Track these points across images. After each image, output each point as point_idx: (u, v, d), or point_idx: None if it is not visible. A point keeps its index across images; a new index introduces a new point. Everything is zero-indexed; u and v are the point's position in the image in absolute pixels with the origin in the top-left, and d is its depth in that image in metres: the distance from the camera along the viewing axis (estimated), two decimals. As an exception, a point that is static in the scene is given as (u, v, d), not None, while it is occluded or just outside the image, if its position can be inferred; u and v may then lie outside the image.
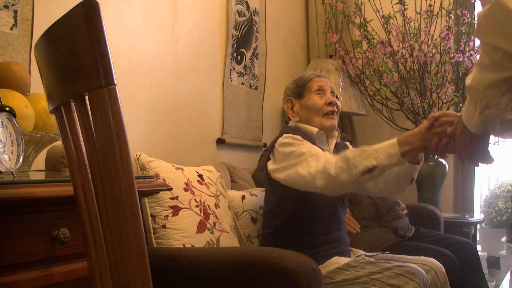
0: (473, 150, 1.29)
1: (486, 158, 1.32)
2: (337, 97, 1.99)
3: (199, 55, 2.49)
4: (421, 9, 3.02)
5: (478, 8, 2.94)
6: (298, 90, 1.95)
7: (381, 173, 1.54)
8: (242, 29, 2.80)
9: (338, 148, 1.96)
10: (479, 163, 1.37)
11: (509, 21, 0.94)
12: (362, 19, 3.09)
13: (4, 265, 0.99)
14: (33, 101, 1.34)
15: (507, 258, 4.02)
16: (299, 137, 1.78)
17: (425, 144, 1.49)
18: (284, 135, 1.81)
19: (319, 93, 1.91)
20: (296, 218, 1.82)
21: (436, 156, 1.45)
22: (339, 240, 1.85)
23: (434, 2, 3.00)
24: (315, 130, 1.87)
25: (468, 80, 1.10)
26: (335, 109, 1.91)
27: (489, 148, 1.32)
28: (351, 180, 1.53)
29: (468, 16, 2.99)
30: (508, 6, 0.93)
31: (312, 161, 1.64)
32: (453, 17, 2.98)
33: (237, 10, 2.75)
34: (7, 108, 1.13)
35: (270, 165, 1.82)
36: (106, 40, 0.71)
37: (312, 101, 1.91)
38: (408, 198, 2.94)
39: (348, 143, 2.12)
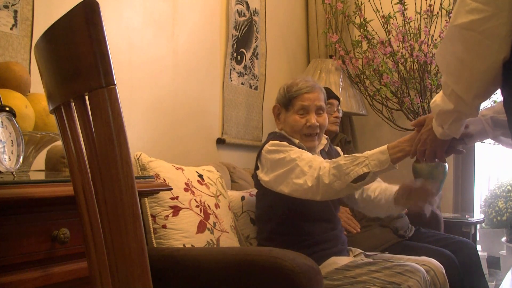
0: (433, 149, 1.44)
1: (441, 158, 1.48)
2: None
3: (199, 55, 2.49)
4: (421, 9, 3.02)
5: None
6: (285, 101, 1.88)
7: (373, 179, 1.57)
8: (242, 29, 2.80)
9: (329, 154, 1.96)
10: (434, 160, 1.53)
11: (457, 64, 1.05)
12: (362, 19, 3.09)
13: (4, 265, 0.99)
14: (33, 101, 1.34)
15: (507, 258, 4.02)
16: (285, 143, 1.77)
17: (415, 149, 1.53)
18: (270, 142, 1.79)
19: (301, 113, 1.84)
20: (289, 221, 1.82)
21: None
22: (335, 239, 1.85)
23: (434, 2, 3.00)
24: (297, 141, 1.85)
25: (433, 99, 1.25)
26: (316, 131, 1.84)
27: (449, 149, 1.46)
28: (344, 187, 1.57)
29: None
30: (454, 49, 1.03)
31: (305, 167, 1.64)
32: (453, 17, 2.97)
33: (237, 10, 2.75)
34: (7, 108, 1.13)
35: (261, 175, 1.80)
36: (106, 40, 0.71)
37: (292, 119, 1.85)
38: (408, 198, 2.94)
39: (338, 148, 2.11)
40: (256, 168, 1.85)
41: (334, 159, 1.63)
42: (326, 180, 1.58)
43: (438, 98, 1.21)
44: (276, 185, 1.73)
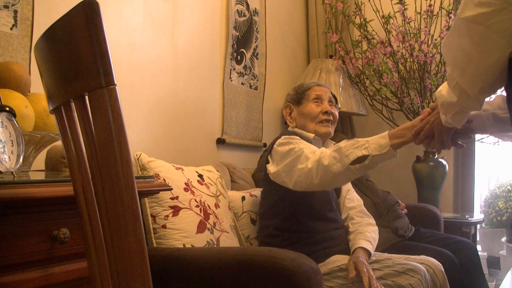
0: (440, 133, 1.43)
1: (446, 144, 1.45)
2: (336, 102, 2.04)
3: (199, 55, 2.49)
4: (421, 9, 3.02)
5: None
6: (297, 97, 2.01)
7: (373, 164, 1.56)
8: (242, 29, 2.80)
9: None
10: (438, 149, 1.49)
11: (463, 58, 1.03)
12: (362, 19, 3.09)
13: (4, 265, 0.99)
14: (33, 101, 1.34)
15: (507, 258, 4.02)
16: (297, 137, 1.83)
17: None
18: (282, 136, 1.86)
19: (316, 102, 1.97)
20: (293, 218, 1.85)
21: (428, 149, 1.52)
22: (338, 239, 1.87)
23: (434, 2, 3.00)
24: (311, 135, 1.92)
25: (438, 88, 1.25)
26: (331, 118, 1.96)
27: (452, 139, 1.45)
28: (343, 169, 1.57)
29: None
30: (460, 41, 1.02)
31: (309, 154, 1.68)
32: (453, 17, 2.97)
33: (237, 10, 2.75)
34: (7, 108, 1.13)
35: (270, 167, 1.84)
36: (106, 40, 0.71)
37: (308, 108, 1.96)
38: (408, 198, 2.94)
39: None
40: (267, 162, 1.89)
41: (336, 144, 1.66)
42: (326, 161, 1.60)
43: (443, 89, 1.21)
44: (283, 175, 1.75)
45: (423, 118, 1.51)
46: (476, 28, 0.96)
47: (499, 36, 0.94)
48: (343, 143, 1.60)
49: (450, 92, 1.14)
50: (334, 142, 2.02)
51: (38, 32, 1.53)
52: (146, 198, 1.68)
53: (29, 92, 1.42)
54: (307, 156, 1.67)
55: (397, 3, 2.98)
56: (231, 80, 2.71)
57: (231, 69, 2.70)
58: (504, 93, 1.06)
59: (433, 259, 1.81)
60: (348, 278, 1.64)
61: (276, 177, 1.80)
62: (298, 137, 1.82)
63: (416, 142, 1.52)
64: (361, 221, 1.94)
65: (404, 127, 1.55)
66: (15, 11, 1.60)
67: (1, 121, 1.10)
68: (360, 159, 1.54)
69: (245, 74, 2.83)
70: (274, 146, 1.85)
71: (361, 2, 3.08)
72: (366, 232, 1.87)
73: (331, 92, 2.05)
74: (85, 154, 0.79)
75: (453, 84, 1.11)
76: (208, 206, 1.83)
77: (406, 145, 1.57)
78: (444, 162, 3.01)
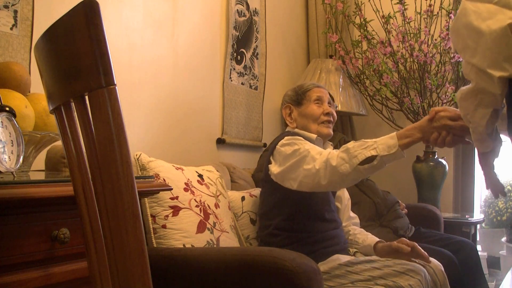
0: (482, 170, 1.31)
1: (494, 182, 1.31)
2: (333, 100, 2.08)
3: (199, 55, 2.49)
4: (421, 9, 3.02)
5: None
6: (297, 98, 2.02)
7: (381, 165, 1.56)
8: (242, 29, 2.80)
9: None
10: (494, 191, 1.35)
11: (472, 35, 1.01)
12: (362, 19, 3.09)
13: (4, 265, 0.99)
14: (33, 101, 1.34)
15: (507, 258, 4.02)
16: (300, 137, 1.83)
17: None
18: (286, 137, 1.85)
19: (317, 103, 1.98)
20: (294, 218, 1.85)
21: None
22: (337, 238, 1.88)
23: (434, 2, 3.00)
24: (313, 136, 1.92)
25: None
26: (331, 119, 1.99)
27: (496, 175, 1.34)
28: (351, 170, 1.57)
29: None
30: (467, 21, 1.00)
31: (316, 155, 1.68)
32: (453, 17, 2.98)
33: (237, 10, 2.75)
34: (7, 108, 1.13)
35: (273, 168, 1.83)
36: (106, 40, 0.71)
37: (310, 109, 1.98)
38: (408, 198, 2.94)
39: None
40: (269, 163, 1.89)
41: (343, 145, 1.67)
42: (334, 162, 1.60)
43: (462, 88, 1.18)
44: (288, 175, 1.75)
45: (430, 118, 1.51)
46: (484, 6, 0.97)
47: (508, 9, 0.93)
48: (351, 144, 1.61)
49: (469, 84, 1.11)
50: (331, 143, 2.04)
51: (38, 32, 1.53)
52: (146, 198, 1.68)
53: (29, 92, 1.42)
54: (314, 157, 1.67)
55: (397, 3, 2.98)
56: (231, 80, 2.71)
57: (231, 69, 2.70)
58: None
59: (433, 259, 1.81)
60: (405, 253, 1.74)
61: (279, 177, 1.80)
62: (302, 138, 1.82)
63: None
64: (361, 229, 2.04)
65: (412, 127, 1.56)
66: (15, 11, 1.60)
67: (1, 121, 1.10)
68: (368, 160, 1.55)
69: (245, 74, 2.83)
70: (277, 146, 1.84)
71: (361, 2, 3.08)
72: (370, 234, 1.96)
73: (329, 93, 2.08)
74: (85, 154, 0.79)
75: (468, 70, 1.07)
76: (208, 206, 1.83)
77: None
78: (444, 162, 3.02)
